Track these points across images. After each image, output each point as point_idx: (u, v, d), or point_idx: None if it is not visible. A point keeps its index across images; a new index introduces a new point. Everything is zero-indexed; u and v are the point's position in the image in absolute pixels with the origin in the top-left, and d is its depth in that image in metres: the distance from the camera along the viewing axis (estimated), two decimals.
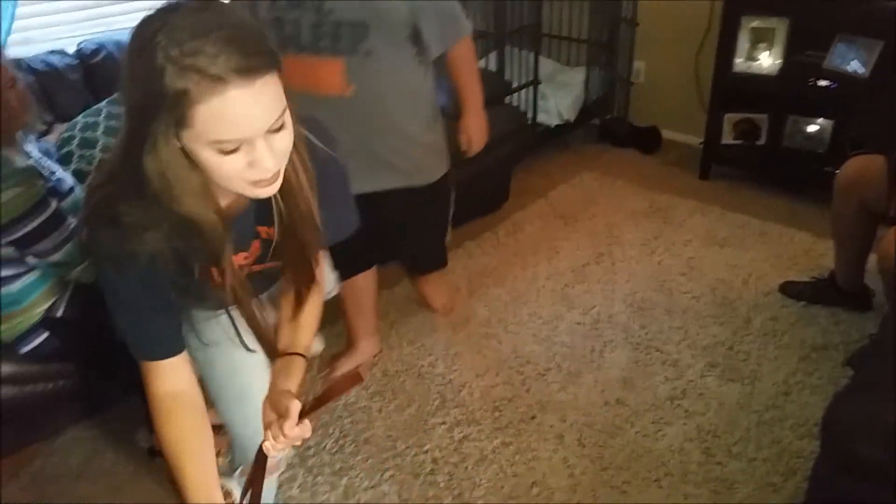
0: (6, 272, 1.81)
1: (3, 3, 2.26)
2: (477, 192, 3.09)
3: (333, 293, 2.10)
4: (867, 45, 3.07)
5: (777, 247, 3.05)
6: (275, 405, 1.19)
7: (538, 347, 2.52)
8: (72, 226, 1.84)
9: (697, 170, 3.66)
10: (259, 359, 1.42)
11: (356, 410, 2.27)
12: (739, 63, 3.37)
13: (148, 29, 0.89)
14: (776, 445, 2.10)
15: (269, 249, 1.22)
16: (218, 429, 1.87)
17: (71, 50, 2.60)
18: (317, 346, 2.35)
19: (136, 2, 2.83)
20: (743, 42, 3.34)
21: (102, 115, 2.14)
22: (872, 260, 2.48)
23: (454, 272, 2.92)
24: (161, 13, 0.90)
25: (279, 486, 1.85)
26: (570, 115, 3.85)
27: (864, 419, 1.54)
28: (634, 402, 2.27)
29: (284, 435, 1.11)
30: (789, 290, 2.73)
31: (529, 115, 3.67)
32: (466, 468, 2.06)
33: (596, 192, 3.55)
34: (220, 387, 1.48)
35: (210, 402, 1.37)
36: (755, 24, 3.30)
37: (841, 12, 3.08)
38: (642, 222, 3.27)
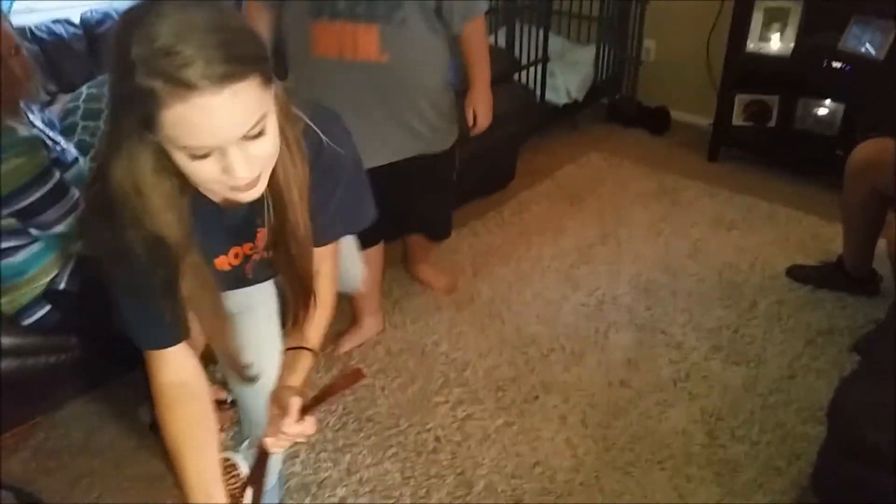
0: (9, 243, 1.80)
1: None
2: (483, 170, 3.07)
3: (356, 287, 2.09)
4: (883, 27, 3.02)
5: (785, 230, 3.03)
6: (277, 400, 1.17)
7: (542, 328, 2.51)
8: (75, 197, 1.83)
9: (706, 151, 3.64)
10: (272, 331, 1.40)
11: (359, 388, 2.26)
12: (752, 43, 3.32)
13: (130, 19, 0.85)
14: (780, 429, 2.09)
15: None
16: (220, 404, 1.88)
17: (76, 19, 2.57)
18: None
19: None
20: (756, 22, 3.29)
21: (107, 86, 2.12)
22: (881, 245, 2.47)
23: (459, 251, 2.91)
24: (146, 3, 0.86)
25: (283, 462, 1.85)
26: (578, 94, 3.81)
27: (872, 405, 1.53)
28: (638, 383, 2.26)
29: (284, 432, 1.10)
30: (796, 273, 2.72)
31: (538, 93, 3.64)
32: (469, 447, 2.06)
33: (603, 173, 3.52)
34: None
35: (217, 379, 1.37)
36: (769, 3, 3.26)
37: None
38: (650, 204, 3.24)
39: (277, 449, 1.14)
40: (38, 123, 1.91)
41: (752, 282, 2.72)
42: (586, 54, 3.90)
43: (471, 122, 2.24)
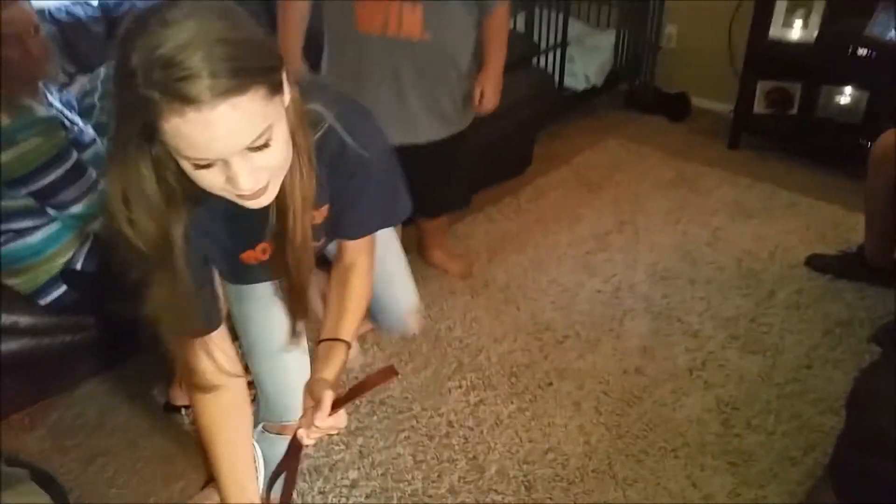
0: (26, 223, 1.82)
1: None
2: (500, 156, 3.05)
3: (402, 325, 1.89)
4: None
5: (806, 219, 2.99)
6: (312, 393, 1.17)
7: (557, 314, 2.50)
8: (93, 178, 1.83)
9: (727, 139, 3.59)
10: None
11: (373, 372, 2.26)
12: (775, 29, 3.27)
13: (135, 22, 0.83)
14: (796, 419, 2.07)
15: None
16: None
17: (94, 1, 2.57)
18: (355, 355, 2.22)
19: None
20: (780, 8, 3.24)
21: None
22: None
23: (474, 237, 2.90)
24: (154, 7, 0.83)
25: None
26: (597, 79, 3.77)
27: (891, 397, 1.51)
28: (653, 371, 2.25)
29: (315, 426, 1.10)
30: (816, 263, 2.68)
31: (556, 79, 3.60)
32: (482, 432, 2.06)
33: (621, 160, 3.49)
34: (254, 341, 1.47)
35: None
36: None
37: None
38: (668, 191, 3.21)
39: (310, 441, 1.14)
40: (57, 104, 1.91)
41: (770, 271, 2.69)
42: (606, 39, 3.86)
43: (477, 102, 2.24)
